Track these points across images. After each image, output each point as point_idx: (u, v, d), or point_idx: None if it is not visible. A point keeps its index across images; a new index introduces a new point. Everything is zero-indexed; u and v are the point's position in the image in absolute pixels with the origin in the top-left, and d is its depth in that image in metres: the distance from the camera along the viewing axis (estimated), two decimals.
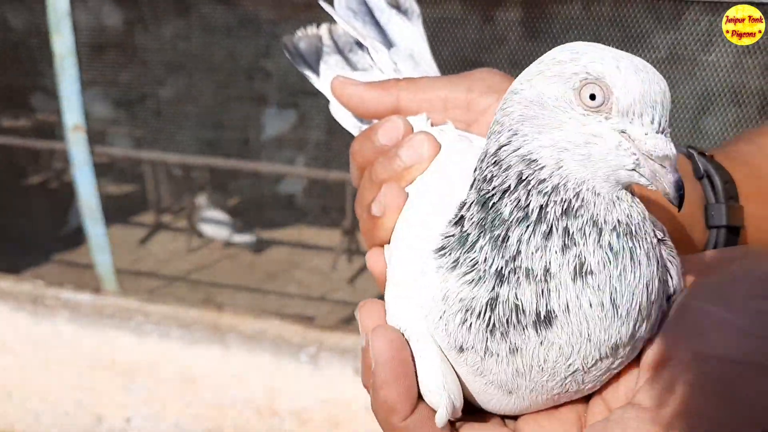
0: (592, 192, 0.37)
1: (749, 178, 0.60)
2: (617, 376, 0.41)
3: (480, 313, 0.38)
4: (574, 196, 0.37)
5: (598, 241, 0.36)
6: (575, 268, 0.36)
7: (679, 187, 0.35)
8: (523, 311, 0.37)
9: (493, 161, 0.39)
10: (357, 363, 2.42)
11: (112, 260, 2.67)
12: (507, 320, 0.37)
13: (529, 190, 0.37)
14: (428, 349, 0.42)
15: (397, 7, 0.65)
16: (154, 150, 2.80)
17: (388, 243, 0.50)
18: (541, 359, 0.38)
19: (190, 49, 2.31)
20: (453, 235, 0.40)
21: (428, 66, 0.63)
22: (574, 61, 0.38)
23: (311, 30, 0.65)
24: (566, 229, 0.36)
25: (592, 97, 0.36)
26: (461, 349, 0.40)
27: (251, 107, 2.48)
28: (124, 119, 2.68)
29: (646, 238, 0.37)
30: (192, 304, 2.71)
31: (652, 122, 0.36)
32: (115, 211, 3.09)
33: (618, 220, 0.36)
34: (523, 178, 0.38)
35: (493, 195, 0.39)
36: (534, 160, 0.38)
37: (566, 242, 0.36)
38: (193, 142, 2.62)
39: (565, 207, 0.37)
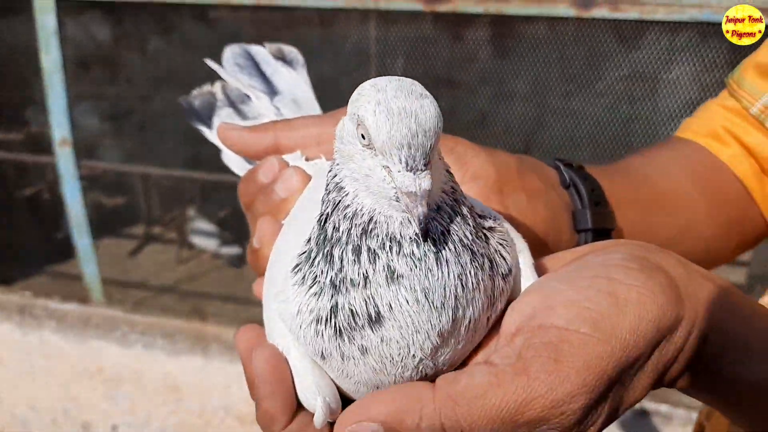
0: (383, 215, 0.43)
1: (629, 186, 0.66)
2: (480, 346, 0.47)
3: (326, 321, 0.43)
4: (369, 219, 0.43)
5: (400, 251, 0.42)
6: (386, 275, 0.42)
7: (420, 221, 0.40)
8: (358, 314, 0.42)
9: (327, 185, 0.46)
10: None
11: (98, 271, 2.74)
12: (348, 324, 0.43)
13: (339, 215, 0.44)
14: (300, 360, 0.47)
15: (282, 58, 0.72)
16: (142, 164, 2.87)
17: None
18: (388, 354, 0.43)
19: (174, 65, 2.39)
20: (304, 253, 0.46)
21: (311, 108, 0.70)
22: (355, 101, 0.43)
23: (206, 87, 0.71)
24: (369, 247, 0.42)
25: (363, 136, 0.42)
26: (323, 357, 0.45)
27: None
28: (112, 133, 2.76)
29: (454, 238, 0.43)
30: (176, 315, 2.78)
31: (400, 162, 0.40)
32: (106, 223, 3.19)
33: (416, 233, 0.42)
34: (336, 202, 0.44)
35: (323, 215, 0.45)
36: (342, 188, 0.44)
37: (372, 257, 0.42)
38: (178, 155, 2.69)
39: (363, 228, 0.43)
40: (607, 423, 0.45)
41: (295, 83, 0.70)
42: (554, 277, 0.47)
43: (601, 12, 1.84)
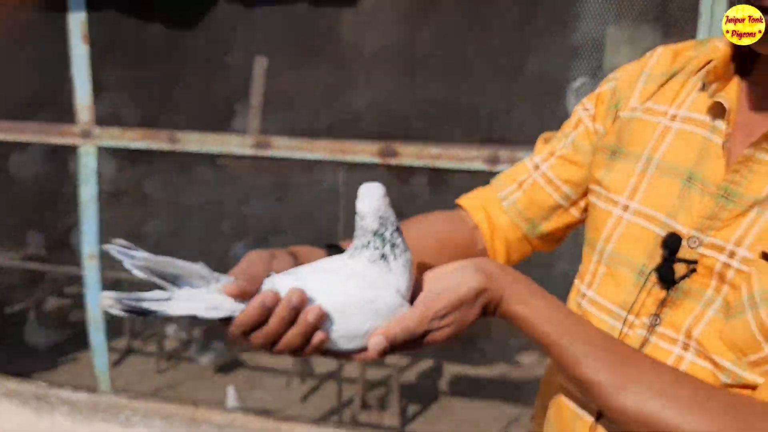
0: None
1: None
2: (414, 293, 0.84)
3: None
4: None
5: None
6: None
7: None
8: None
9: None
10: None
11: (108, 363, 3.25)
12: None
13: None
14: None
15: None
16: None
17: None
18: None
19: (186, 194, 3.06)
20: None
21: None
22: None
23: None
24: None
25: None
26: None
27: (229, 242, 3.21)
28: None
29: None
30: (171, 401, 3.28)
31: None
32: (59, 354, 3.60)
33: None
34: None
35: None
36: None
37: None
38: None
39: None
40: (454, 330, 0.82)
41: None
42: (434, 271, 0.87)
43: (503, 167, 2.59)
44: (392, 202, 0.84)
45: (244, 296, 0.78)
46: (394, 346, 0.81)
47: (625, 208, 0.96)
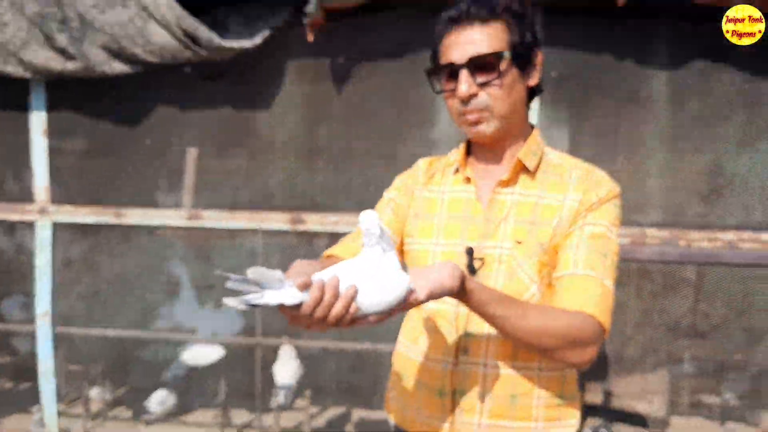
0: None
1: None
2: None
3: None
4: None
5: None
6: None
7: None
8: None
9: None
10: None
11: (57, 411, 3.66)
12: None
13: None
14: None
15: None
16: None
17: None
18: None
19: (128, 268, 3.60)
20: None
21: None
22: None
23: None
24: None
25: None
26: None
27: (164, 298, 3.73)
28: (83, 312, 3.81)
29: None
30: None
31: None
32: (8, 405, 3.76)
33: None
34: None
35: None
36: None
37: None
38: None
39: None
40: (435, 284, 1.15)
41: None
42: (418, 267, 1.21)
43: None
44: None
45: (304, 288, 1.07)
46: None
47: (436, 244, 1.48)
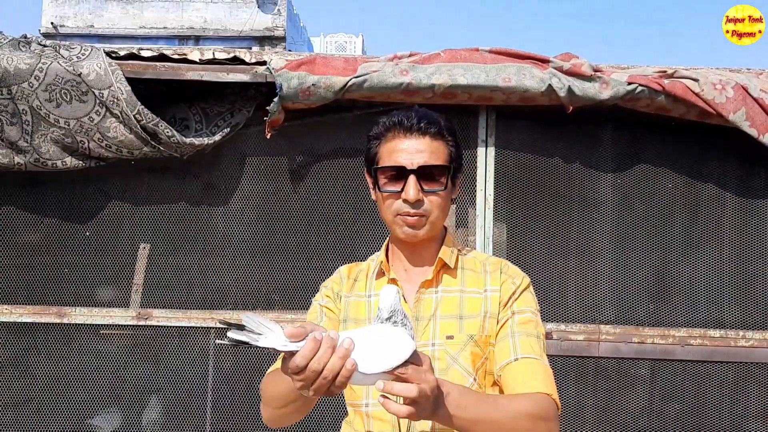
0: None
1: None
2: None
3: None
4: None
5: None
6: None
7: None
8: None
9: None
10: None
11: None
12: None
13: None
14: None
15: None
16: None
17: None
18: None
19: (69, 361, 3.41)
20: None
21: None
22: None
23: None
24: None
25: None
26: None
27: (107, 403, 3.52)
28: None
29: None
30: None
31: None
32: None
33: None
34: None
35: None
36: None
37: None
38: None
39: None
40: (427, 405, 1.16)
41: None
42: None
43: None
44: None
45: (297, 338, 1.08)
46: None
47: None
